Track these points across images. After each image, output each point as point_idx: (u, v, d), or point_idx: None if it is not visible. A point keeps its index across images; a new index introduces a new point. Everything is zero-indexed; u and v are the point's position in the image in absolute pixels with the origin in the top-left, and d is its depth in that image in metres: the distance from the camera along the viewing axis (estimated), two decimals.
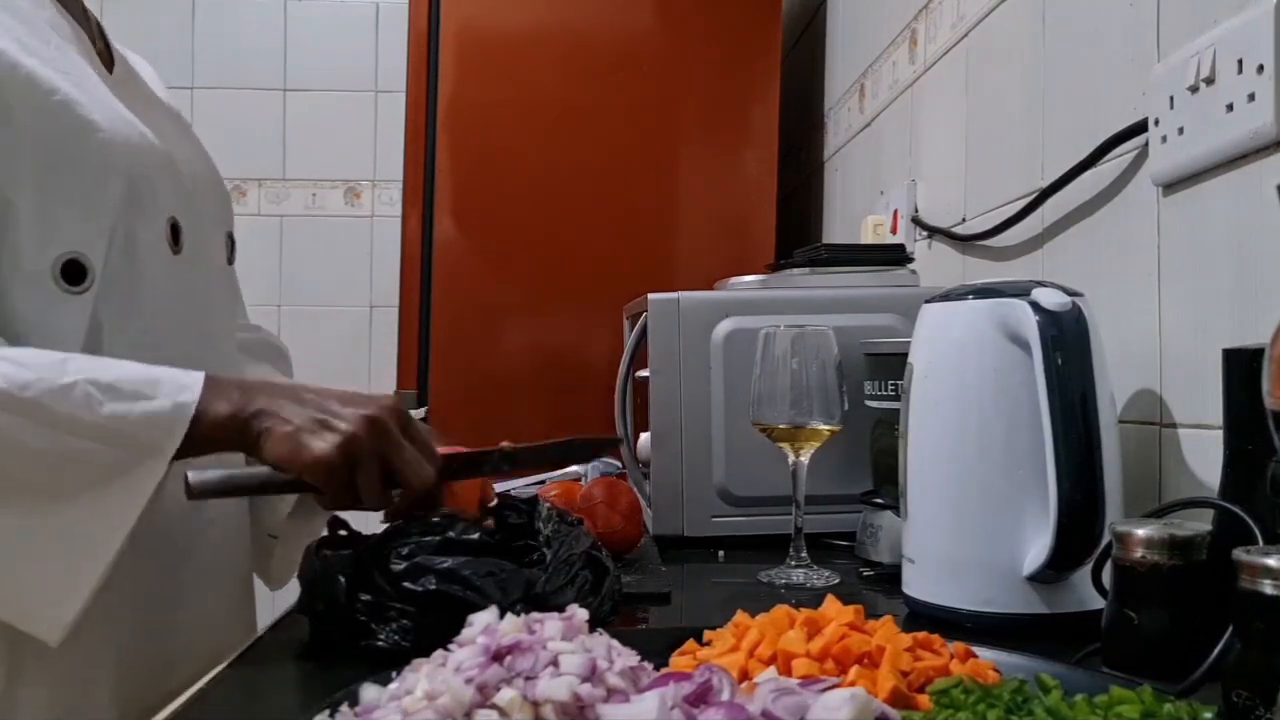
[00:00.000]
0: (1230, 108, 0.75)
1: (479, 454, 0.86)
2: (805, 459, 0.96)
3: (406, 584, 0.71)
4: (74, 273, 0.78)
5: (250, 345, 1.10)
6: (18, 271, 0.76)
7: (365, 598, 0.72)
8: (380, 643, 0.70)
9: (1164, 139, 0.83)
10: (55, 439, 0.69)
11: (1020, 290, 0.78)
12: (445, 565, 0.72)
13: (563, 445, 0.92)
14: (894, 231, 1.54)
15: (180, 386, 0.73)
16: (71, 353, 0.74)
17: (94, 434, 0.70)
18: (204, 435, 0.73)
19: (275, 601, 1.05)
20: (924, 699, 0.51)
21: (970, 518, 0.79)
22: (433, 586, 0.71)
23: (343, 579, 0.73)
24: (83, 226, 0.79)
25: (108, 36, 0.95)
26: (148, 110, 0.91)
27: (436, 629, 0.57)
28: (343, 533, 0.81)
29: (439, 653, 0.50)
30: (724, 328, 1.15)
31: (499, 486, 1.17)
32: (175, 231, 0.87)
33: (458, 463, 0.84)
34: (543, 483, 1.40)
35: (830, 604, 0.60)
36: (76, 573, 0.70)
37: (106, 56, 0.92)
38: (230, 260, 1.02)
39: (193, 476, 0.75)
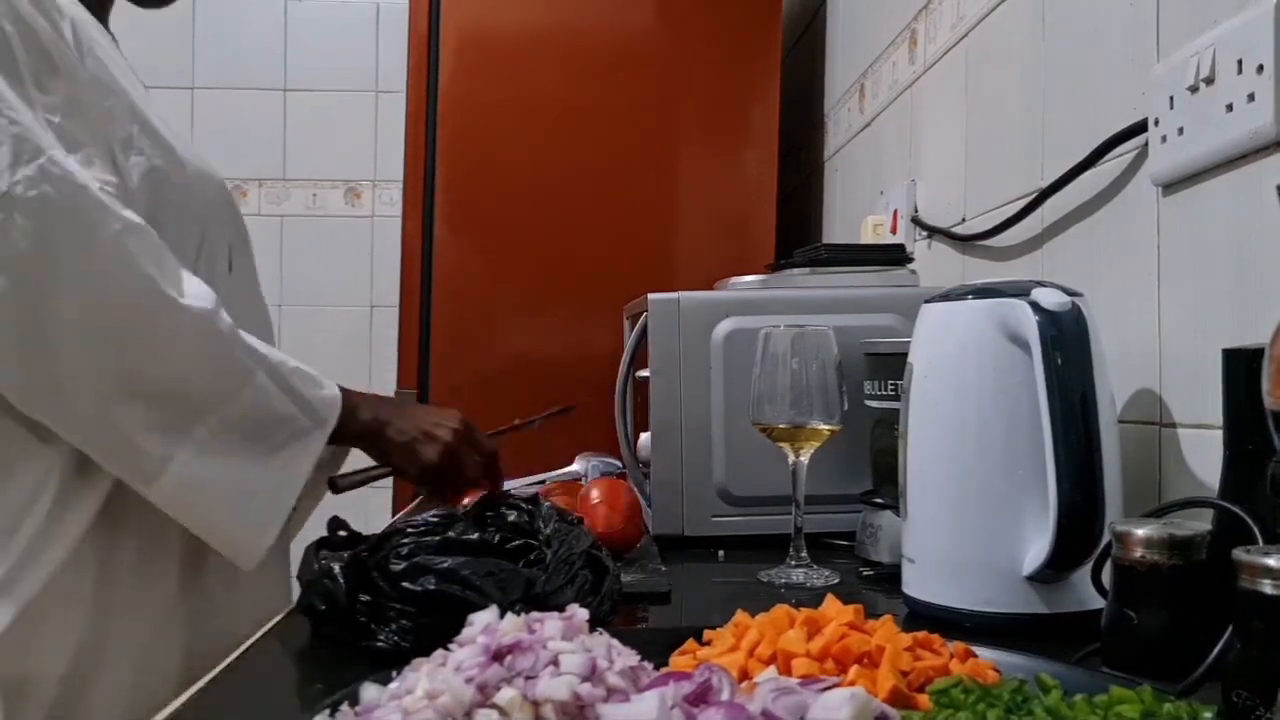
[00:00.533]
0: (1230, 108, 0.75)
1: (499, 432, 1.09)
2: (805, 459, 0.96)
3: (406, 584, 0.71)
4: None
5: None
6: None
7: (365, 598, 0.72)
8: (380, 643, 0.70)
9: (1164, 139, 0.84)
10: (286, 405, 0.86)
11: (1020, 290, 0.78)
12: (445, 565, 0.72)
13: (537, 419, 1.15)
14: (894, 231, 1.54)
15: (326, 383, 0.92)
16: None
17: (300, 404, 0.88)
18: (346, 426, 0.91)
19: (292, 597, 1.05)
20: (924, 699, 0.51)
21: (970, 518, 0.79)
22: (432, 586, 0.71)
23: (343, 580, 0.73)
24: (182, 246, 0.90)
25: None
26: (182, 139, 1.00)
27: (436, 629, 0.57)
28: (342, 533, 0.81)
29: (439, 652, 0.50)
30: (724, 328, 1.15)
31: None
32: (230, 254, 1.01)
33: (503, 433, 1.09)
34: (543, 482, 1.40)
35: (830, 604, 0.60)
36: (271, 514, 0.85)
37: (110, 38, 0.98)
38: (231, 269, 1.08)
39: (339, 479, 0.96)
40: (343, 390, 0.93)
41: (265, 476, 0.85)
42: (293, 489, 0.86)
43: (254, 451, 0.84)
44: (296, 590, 0.82)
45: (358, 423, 0.93)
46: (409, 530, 0.77)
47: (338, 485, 0.95)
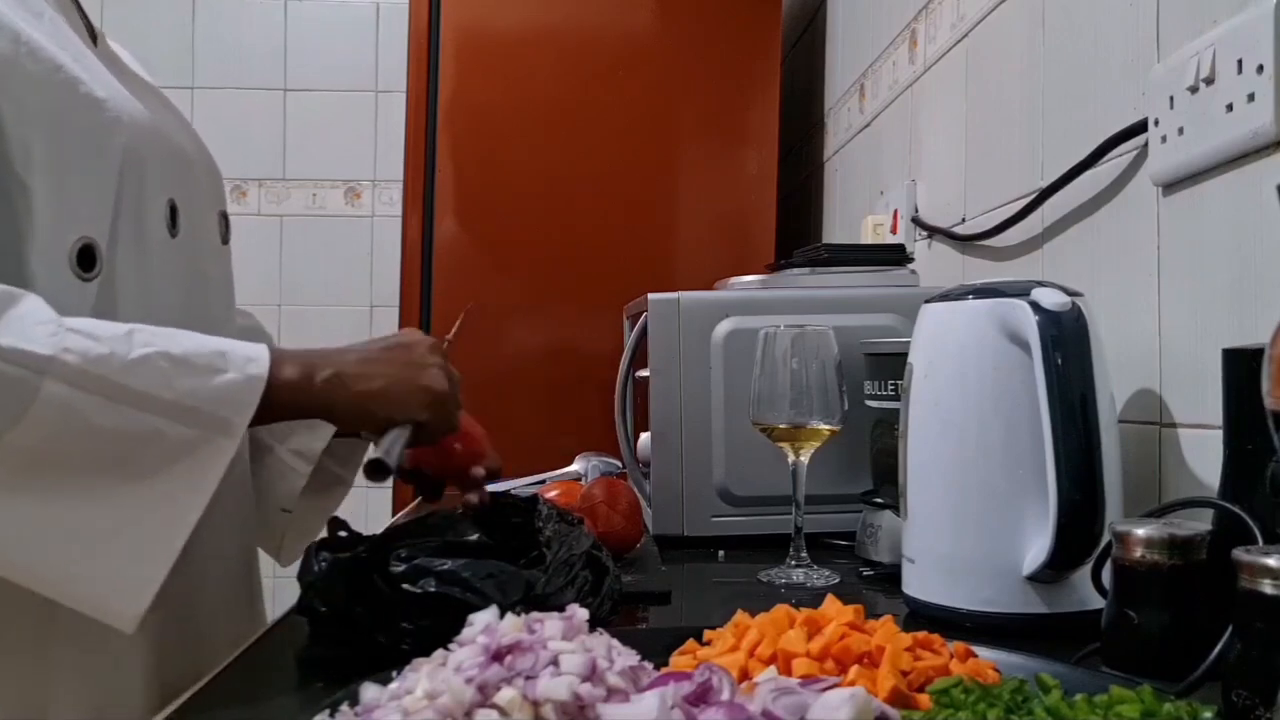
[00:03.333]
0: (1230, 108, 0.75)
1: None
2: (805, 459, 0.96)
3: (406, 586, 0.71)
4: (86, 259, 0.74)
5: (245, 332, 1.06)
6: (36, 256, 0.72)
7: (365, 601, 0.72)
8: (380, 645, 0.70)
9: (1164, 139, 0.84)
10: (125, 417, 0.65)
11: (1020, 290, 0.78)
12: (445, 567, 0.72)
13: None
14: (894, 231, 1.54)
15: (247, 358, 0.70)
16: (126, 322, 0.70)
17: (166, 411, 0.66)
18: (275, 404, 0.71)
19: (275, 602, 1.05)
20: (924, 699, 0.51)
21: (970, 518, 0.79)
22: (432, 589, 0.71)
23: (342, 582, 0.73)
24: (93, 210, 0.75)
25: (84, 11, 0.89)
26: (135, 85, 0.87)
27: (436, 631, 0.57)
28: (343, 534, 0.81)
29: (439, 652, 0.50)
30: (724, 328, 1.15)
31: (499, 487, 1.17)
32: (173, 213, 0.84)
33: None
34: (543, 482, 1.40)
35: (830, 604, 0.60)
36: (149, 558, 0.66)
37: (89, 30, 0.88)
38: (225, 240, 0.97)
39: (381, 459, 0.75)
40: (271, 350, 0.72)
41: (115, 515, 0.66)
42: (175, 524, 0.67)
43: (82, 485, 0.65)
44: (271, 610, 0.78)
45: (281, 389, 0.72)
46: (409, 531, 0.77)
47: (385, 468, 0.74)
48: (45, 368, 0.63)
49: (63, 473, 0.65)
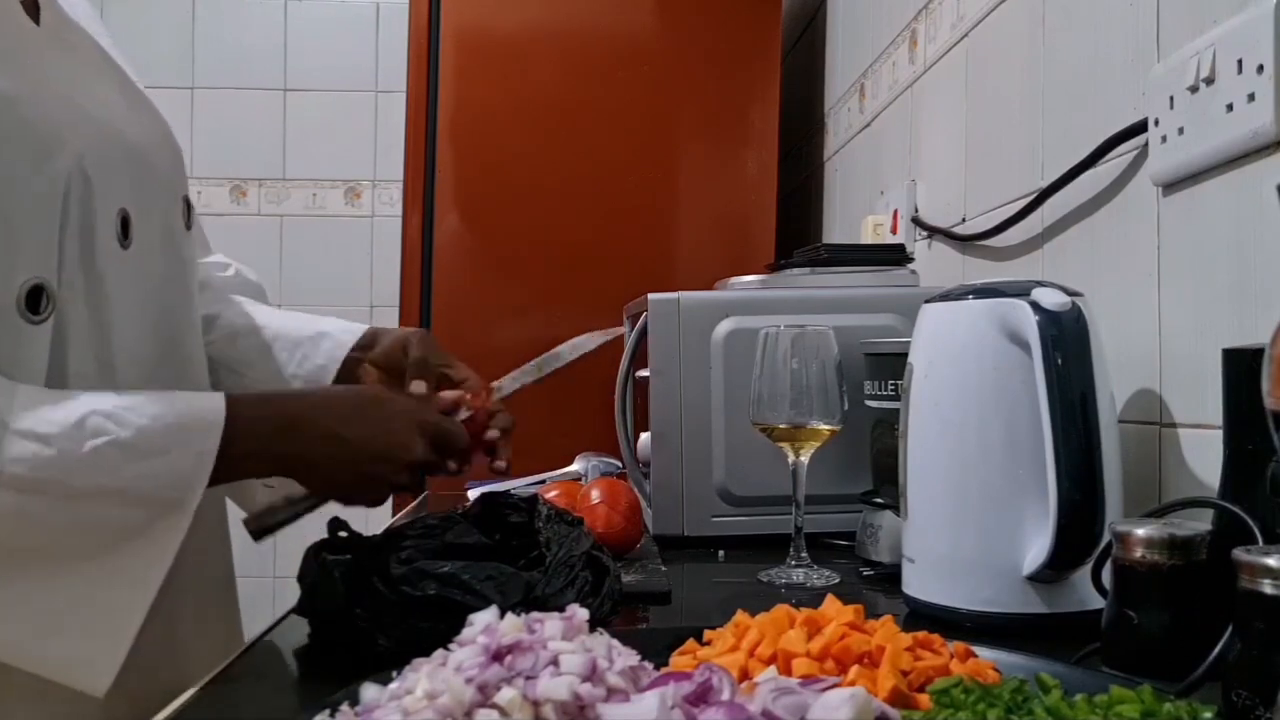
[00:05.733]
0: (1230, 108, 0.75)
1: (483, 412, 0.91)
2: (805, 459, 0.96)
3: (406, 589, 0.71)
4: (34, 300, 0.71)
5: (231, 285, 1.05)
6: None
7: (365, 603, 0.72)
8: (380, 648, 0.70)
9: (1164, 139, 0.84)
10: (77, 510, 0.67)
11: (1020, 290, 0.78)
12: (444, 570, 0.72)
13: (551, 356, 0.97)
14: (894, 231, 1.54)
15: (201, 432, 0.71)
16: (78, 396, 0.69)
17: (117, 499, 0.68)
18: (230, 472, 0.73)
19: (275, 602, 1.05)
20: (924, 699, 0.51)
21: (970, 518, 0.79)
22: (432, 592, 0.71)
23: (342, 584, 0.73)
24: (37, 247, 0.71)
25: None
26: (87, 70, 0.81)
27: (436, 634, 0.57)
28: (343, 534, 0.81)
29: (439, 652, 0.50)
30: (724, 328, 1.15)
31: (500, 487, 1.17)
32: (124, 223, 0.79)
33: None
34: (543, 482, 1.40)
35: (830, 604, 0.60)
36: (110, 633, 0.69)
37: (31, 4, 0.78)
38: (189, 226, 0.92)
39: (254, 524, 0.77)
40: (230, 416, 0.72)
41: (73, 595, 0.67)
42: (133, 600, 0.69)
43: (40, 570, 0.67)
44: (271, 611, 0.79)
45: (236, 462, 0.72)
46: (409, 533, 0.77)
47: (256, 536, 0.78)
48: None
49: (21, 561, 0.66)
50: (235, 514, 0.91)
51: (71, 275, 0.74)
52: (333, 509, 0.83)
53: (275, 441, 0.75)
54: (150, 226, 0.82)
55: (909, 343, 0.86)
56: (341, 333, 1.00)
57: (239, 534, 0.88)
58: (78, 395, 0.69)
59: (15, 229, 0.70)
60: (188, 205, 0.92)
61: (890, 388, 0.99)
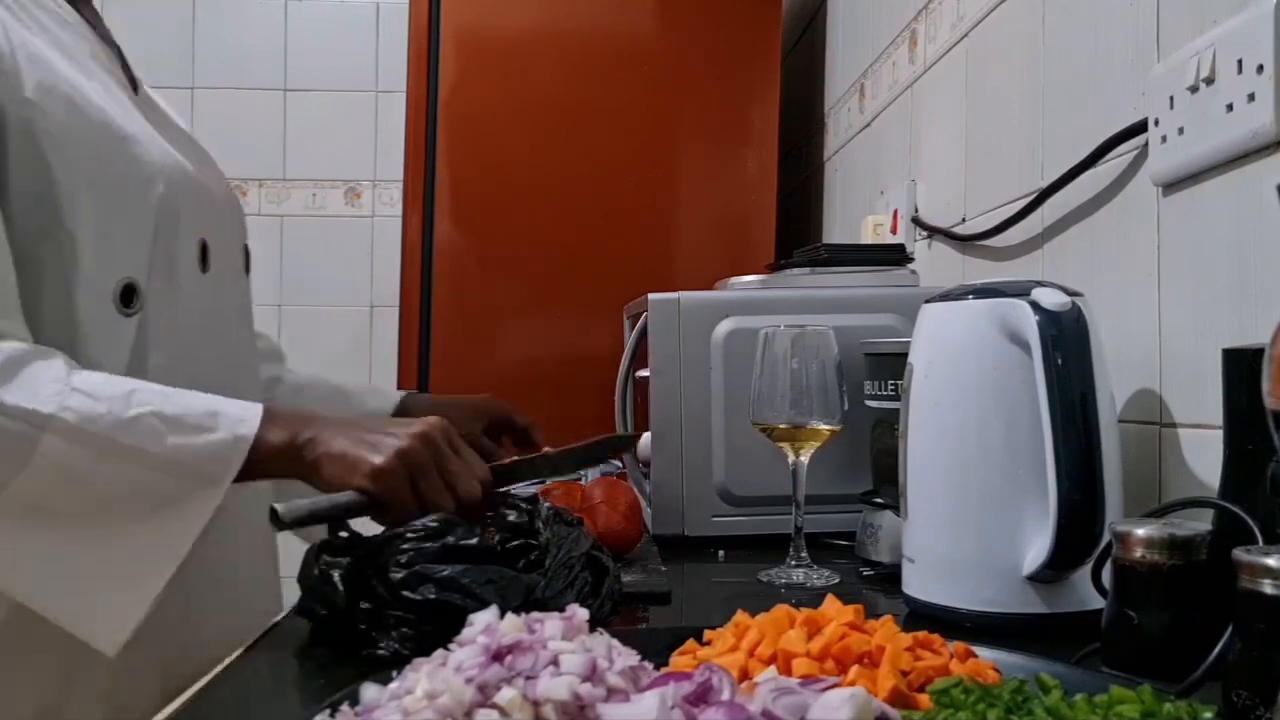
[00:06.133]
0: (1230, 108, 0.75)
1: (521, 461, 0.93)
2: (805, 459, 0.96)
3: (406, 592, 0.71)
4: (128, 297, 0.83)
5: (263, 354, 1.15)
6: (83, 297, 0.81)
7: (365, 606, 0.72)
8: (380, 651, 0.70)
9: (1164, 139, 0.84)
10: (117, 469, 0.73)
11: (1020, 290, 0.78)
12: (444, 573, 0.72)
13: (595, 445, 0.97)
14: (894, 231, 1.54)
15: (239, 419, 0.76)
16: (137, 380, 0.77)
17: (156, 465, 0.73)
18: (260, 463, 0.76)
19: (284, 599, 1.05)
20: (924, 699, 0.51)
21: (970, 518, 0.79)
22: (432, 595, 0.71)
23: (342, 586, 0.73)
24: (133, 253, 0.84)
25: (125, 56, 0.97)
26: (169, 132, 0.95)
27: (436, 637, 0.57)
28: (343, 535, 0.81)
29: (439, 652, 0.50)
30: (724, 328, 1.15)
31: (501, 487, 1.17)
32: (204, 251, 0.92)
33: (504, 469, 0.90)
34: (543, 482, 1.40)
35: (830, 604, 0.60)
36: (132, 595, 0.73)
37: (131, 81, 0.95)
38: (247, 270, 1.06)
39: (282, 509, 0.76)
40: (266, 411, 0.78)
41: (105, 556, 0.73)
42: (158, 566, 0.74)
43: (78, 528, 0.73)
44: (288, 595, 0.81)
45: (267, 450, 0.77)
46: (409, 535, 0.77)
47: (281, 523, 0.77)
48: (45, 424, 0.71)
49: (61, 516, 0.73)
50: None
51: (159, 284, 0.86)
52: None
53: (299, 429, 0.78)
54: (221, 259, 0.96)
55: (909, 343, 0.86)
56: (389, 390, 1.19)
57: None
58: (133, 380, 0.77)
59: (113, 235, 0.83)
60: (246, 252, 1.06)
61: (890, 388, 0.99)
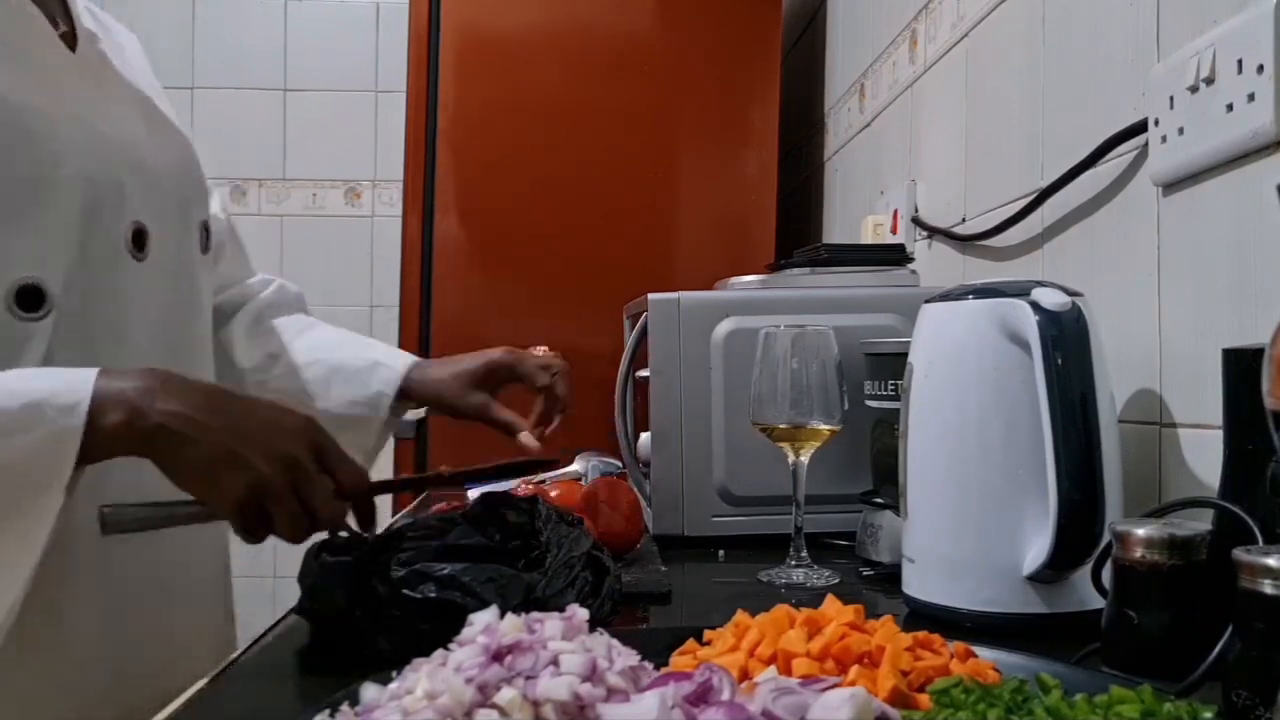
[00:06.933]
0: (1230, 108, 0.75)
1: (416, 477, 0.89)
2: (805, 459, 0.96)
3: (406, 591, 0.71)
4: (30, 299, 0.74)
5: (278, 303, 1.16)
6: None
7: (365, 605, 0.72)
8: (381, 650, 0.70)
9: (1164, 139, 0.84)
10: None
11: (1020, 290, 0.78)
12: (445, 572, 0.72)
13: (504, 467, 0.88)
14: (894, 231, 1.54)
15: (65, 408, 0.67)
16: None
17: None
18: (99, 450, 0.68)
19: (276, 602, 1.05)
20: (924, 699, 0.51)
21: (970, 518, 0.79)
22: (433, 594, 0.71)
23: (342, 585, 0.73)
24: (38, 249, 0.74)
25: (72, 8, 0.87)
26: (111, 99, 0.86)
27: (437, 636, 0.57)
28: (343, 534, 0.81)
29: (439, 652, 0.50)
30: (724, 328, 1.15)
31: (500, 487, 1.17)
32: (139, 237, 0.83)
33: (395, 484, 0.87)
34: (543, 482, 1.40)
35: (830, 604, 0.60)
36: None
37: (69, 36, 0.84)
38: (205, 249, 0.96)
39: (108, 514, 0.71)
40: (98, 389, 0.68)
41: None
42: (9, 574, 0.67)
43: None
44: (272, 610, 0.79)
45: (103, 437, 0.67)
46: (409, 534, 0.77)
47: (106, 527, 0.71)
48: None
49: None
50: None
51: (88, 277, 0.77)
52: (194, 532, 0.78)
53: (141, 410, 0.68)
54: (166, 243, 0.86)
55: (909, 343, 0.86)
56: (393, 360, 1.10)
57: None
58: None
59: (9, 232, 0.73)
60: (205, 230, 0.96)
61: (890, 388, 0.99)
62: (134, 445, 0.69)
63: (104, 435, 0.67)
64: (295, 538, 0.72)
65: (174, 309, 0.89)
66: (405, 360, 1.12)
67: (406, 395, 1.11)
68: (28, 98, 0.74)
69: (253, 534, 0.71)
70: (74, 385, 0.68)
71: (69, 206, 0.76)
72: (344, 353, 1.12)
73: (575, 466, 1.48)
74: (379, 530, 0.81)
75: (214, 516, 0.72)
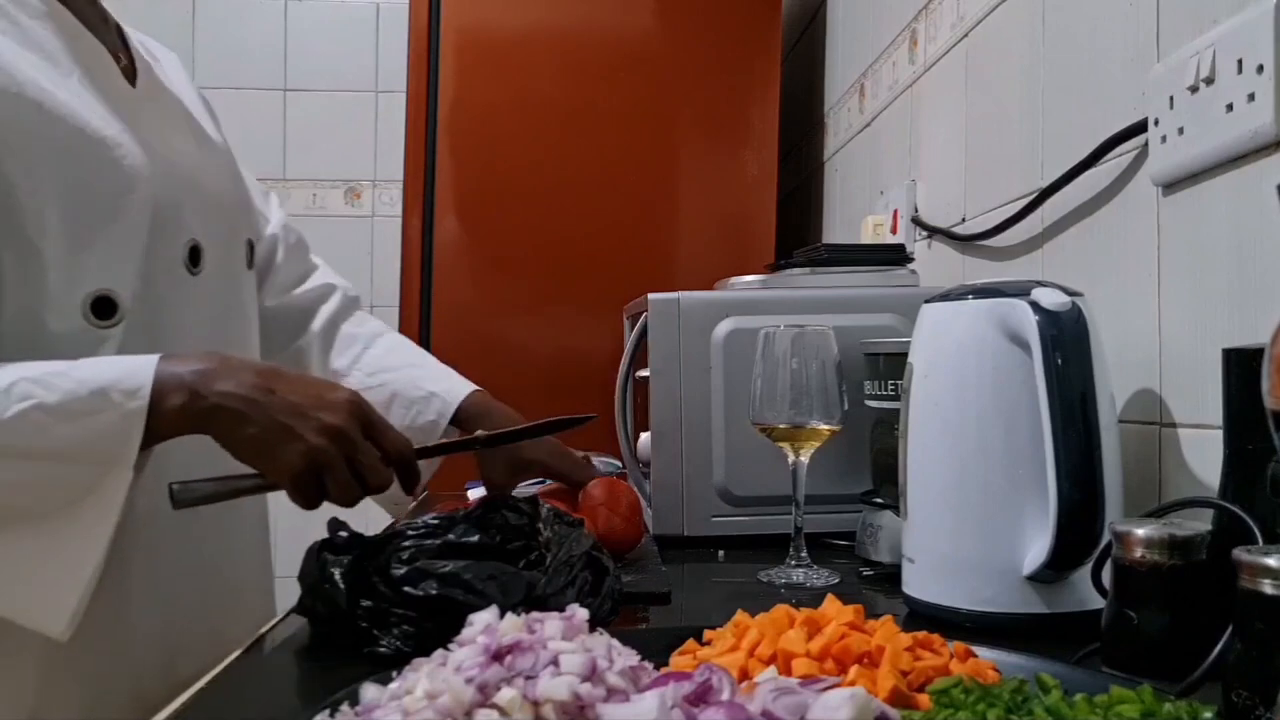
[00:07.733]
0: (1230, 108, 0.75)
1: (455, 441, 0.95)
2: (805, 459, 0.96)
3: (407, 589, 0.71)
4: (104, 308, 0.81)
5: (339, 313, 1.26)
6: (49, 310, 0.78)
7: (366, 603, 0.72)
8: (382, 648, 0.70)
9: (1164, 139, 0.84)
10: (13, 470, 0.72)
11: (1020, 290, 0.78)
12: (446, 569, 0.72)
13: (537, 426, 0.95)
14: (894, 231, 1.54)
15: (129, 392, 0.73)
16: (22, 368, 0.73)
17: (53, 457, 0.72)
18: (163, 430, 0.74)
19: (276, 602, 1.05)
20: (924, 699, 0.51)
21: (970, 518, 0.79)
22: (434, 591, 0.71)
23: (343, 584, 0.73)
24: (111, 264, 0.82)
25: (129, 41, 0.96)
26: (171, 126, 0.94)
27: (438, 634, 0.57)
28: (344, 534, 0.81)
29: (439, 652, 0.50)
30: (724, 328, 1.15)
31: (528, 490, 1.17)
32: (195, 253, 0.91)
33: (436, 449, 0.90)
34: (543, 482, 1.40)
35: (830, 604, 0.60)
36: (64, 586, 0.73)
37: (130, 69, 0.92)
38: (250, 265, 1.04)
39: (178, 490, 0.76)
40: (159, 375, 0.74)
41: (28, 553, 0.73)
42: (84, 554, 0.73)
43: (15, 522, 0.72)
44: (288, 595, 0.81)
45: (166, 419, 0.74)
46: (410, 533, 0.77)
47: (176, 503, 0.77)
48: None
49: None
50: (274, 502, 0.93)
51: (150, 289, 0.84)
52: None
53: (199, 391, 0.74)
54: (217, 258, 0.95)
55: (909, 343, 0.86)
56: (448, 393, 1.12)
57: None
58: (6, 366, 0.73)
59: (85, 247, 0.80)
60: (250, 247, 1.04)
61: (890, 388, 0.99)
62: (195, 424, 0.75)
63: (166, 416, 0.73)
64: (349, 502, 0.78)
65: (223, 318, 0.96)
66: (459, 394, 1.13)
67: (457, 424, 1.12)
68: (106, 129, 0.82)
69: (310, 501, 0.77)
70: (137, 371, 0.74)
71: (138, 226, 0.84)
72: (404, 380, 1.15)
73: None
74: (380, 532, 0.82)
75: (274, 487, 0.78)
